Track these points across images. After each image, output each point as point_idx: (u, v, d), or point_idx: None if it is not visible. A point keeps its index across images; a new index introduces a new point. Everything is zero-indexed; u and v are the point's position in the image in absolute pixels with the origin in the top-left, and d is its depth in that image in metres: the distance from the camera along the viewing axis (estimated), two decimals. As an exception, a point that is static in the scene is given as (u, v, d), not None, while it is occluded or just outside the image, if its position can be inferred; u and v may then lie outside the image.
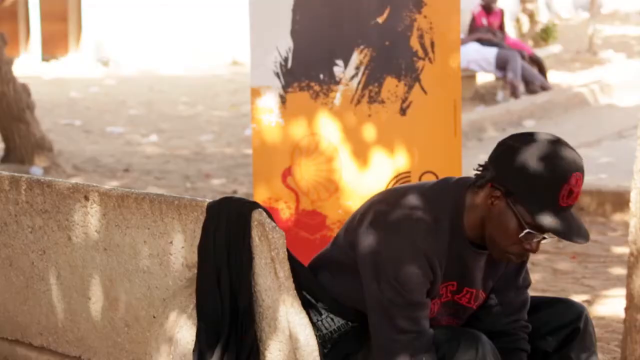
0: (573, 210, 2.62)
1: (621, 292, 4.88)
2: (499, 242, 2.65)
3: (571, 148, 2.64)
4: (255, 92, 4.41)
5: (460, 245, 2.67)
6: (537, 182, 2.57)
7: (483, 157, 2.87)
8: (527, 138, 2.65)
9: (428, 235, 2.64)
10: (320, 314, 2.75)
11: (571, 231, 2.59)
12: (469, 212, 2.68)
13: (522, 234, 2.61)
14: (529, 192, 2.58)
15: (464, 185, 2.72)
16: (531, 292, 4.94)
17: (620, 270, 5.47)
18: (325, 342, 2.74)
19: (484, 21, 11.94)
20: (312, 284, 2.75)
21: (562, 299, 2.90)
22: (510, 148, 2.64)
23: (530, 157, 2.59)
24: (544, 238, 2.63)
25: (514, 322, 2.83)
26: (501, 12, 12.08)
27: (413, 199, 2.69)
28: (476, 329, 2.73)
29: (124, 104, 12.58)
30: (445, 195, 2.72)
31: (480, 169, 2.69)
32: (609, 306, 4.91)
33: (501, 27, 12.01)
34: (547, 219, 2.57)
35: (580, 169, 2.60)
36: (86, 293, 3.01)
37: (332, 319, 2.77)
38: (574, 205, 2.61)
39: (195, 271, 2.74)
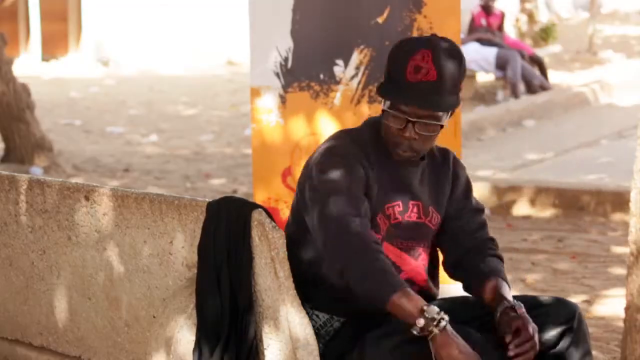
0: (433, 89, 2.69)
1: (621, 292, 4.89)
2: (386, 138, 2.78)
3: (423, 36, 2.81)
4: (255, 92, 4.41)
5: (387, 158, 2.78)
6: (389, 65, 2.74)
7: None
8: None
9: (349, 145, 2.77)
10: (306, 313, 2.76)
11: (414, 99, 2.69)
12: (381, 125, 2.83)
13: (389, 118, 2.73)
14: (386, 77, 2.75)
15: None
16: (530, 292, 4.96)
17: (620, 270, 5.48)
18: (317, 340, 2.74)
19: (483, 22, 11.94)
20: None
21: (556, 298, 2.90)
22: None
23: (393, 47, 2.77)
24: (410, 121, 2.71)
25: (478, 239, 2.97)
26: (501, 14, 12.08)
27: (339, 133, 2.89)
28: (447, 258, 2.90)
29: (123, 104, 12.59)
30: (366, 123, 2.89)
31: None
32: (608, 306, 4.90)
33: (500, 28, 12.01)
34: (396, 93, 2.72)
35: (432, 47, 2.70)
36: (86, 293, 3.01)
37: (317, 316, 2.77)
38: (433, 83, 2.68)
39: (195, 271, 2.74)
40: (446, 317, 2.59)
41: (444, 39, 2.78)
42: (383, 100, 2.77)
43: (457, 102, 2.78)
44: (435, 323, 2.58)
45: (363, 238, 2.65)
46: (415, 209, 2.83)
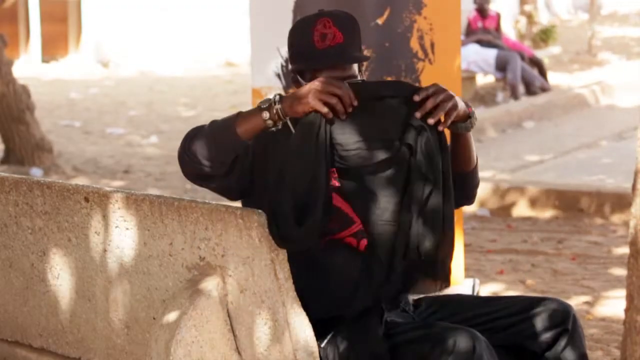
0: (346, 50, 2.78)
1: (621, 293, 4.89)
2: None
3: (321, 10, 2.86)
4: (257, 93, 4.41)
5: None
6: (294, 43, 2.85)
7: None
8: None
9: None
10: None
11: (332, 60, 2.77)
12: None
13: None
14: (294, 55, 2.85)
15: None
16: (530, 294, 4.96)
17: (620, 271, 5.48)
18: None
19: (480, 25, 11.96)
20: None
21: (550, 299, 2.90)
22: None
23: (291, 29, 2.88)
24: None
25: None
26: (497, 16, 12.09)
27: None
28: None
29: (123, 105, 12.59)
30: None
31: None
32: (609, 307, 4.91)
33: (497, 29, 12.02)
34: (310, 62, 2.79)
35: (328, 15, 2.82)
36: (86, 294, 3.01)
37: None
38: (341, 45, 2.77)
39: (195, 273, 2.74)
40: (277, 93, 2.69)
41: (332, 9, 2.90)
42: (298, 78, 2.84)
43: (366, 57, 2.90)
44: (273, 102, 2.66)
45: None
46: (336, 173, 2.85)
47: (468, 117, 2.86)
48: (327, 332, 2.78)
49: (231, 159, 2.71)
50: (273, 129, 2.68)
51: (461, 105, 2.80)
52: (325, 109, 2.65)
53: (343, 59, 2.79)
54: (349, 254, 2.76)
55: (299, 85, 2.85)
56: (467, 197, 2.98)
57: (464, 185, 2.92)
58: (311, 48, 2.80)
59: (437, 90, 2.74)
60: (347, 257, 2.75)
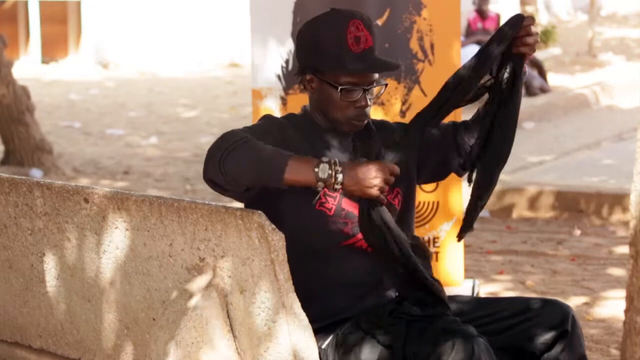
0: (377, 54, 2.80)
1: (621, 294, 4.89)
2: (334, 115, 2.82)
3: (343, 9, 2.83)
4: (257, 94, 4.42)
5: (320, 134, 2.83)
6: (323, 45, 2.77)
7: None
8: (307, 21, 2.85)
9: (282, 123, 2.83)
10: None
11: (374, 67, 2.78)
12: (310, 108, 2.87)
13: (341, 95, 2.77)
14: (324, 58, 2.77)
15: None
16: (530, 294, 4.95)
17: (619, 272, 5.48)
18: None
19: (480, 26, 11.96)
20: None
21: (548, 300, 2.90)
22: (298, 36, 2.85)
23: (311, 30, 2.81)
24: (364, 90, 2.79)
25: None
26: (497, 17, 12.09)
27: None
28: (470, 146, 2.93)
29: (123, 106, 12.59)
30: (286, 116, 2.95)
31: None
32: (608, 308, 4.90)
33: (496, 31, 12.02)
34: (348, 68, 2.74)
35: (357, 16, 2.79)
36: (86, 295, 3.01)
37: None
38: (372, 49, 2.79)
39: (195, 273, 2.75)
40: (337, 160, 2.63)
41: (352, 9, 2.88)
42: (324, 83, 2.79)
43: (398, 65, 2.94)
44: (333, 181, 2.62)
45: (248, 137, 2.68)
46: None
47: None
48: (328, 333, 2.78)
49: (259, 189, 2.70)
50: (319, 190, 2.65)
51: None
52: (383, 199, 2.68)
53: (376, 66, 2.78)
54: (362, 258, 2.80)
55: (309, 86, 2.82)
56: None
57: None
58: (346, 51, 2.76)
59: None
60: (361, 261, 2.81)
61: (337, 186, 2.62)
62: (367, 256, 2.81)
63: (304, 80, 2.85)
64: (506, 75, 2.86)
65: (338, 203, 2.79)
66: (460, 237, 2.96)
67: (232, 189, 2.72)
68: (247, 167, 2.64)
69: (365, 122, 2.85)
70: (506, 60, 2.86)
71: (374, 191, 2.63)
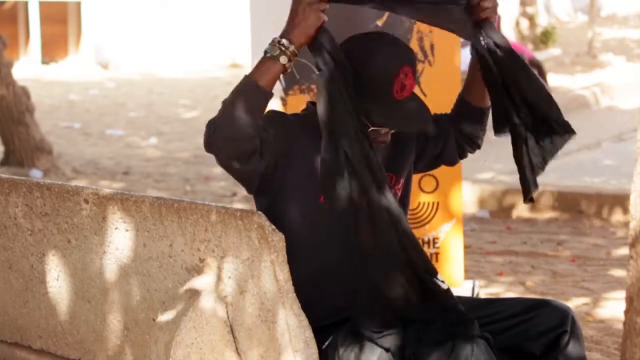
0: (413, 99, 2.77)
1: (621, 294, 4.89)
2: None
3: (397, 40, 2.82)
4: (255, 95, 4.41)
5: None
6: (368, 78, 2.73)
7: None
8: (361, 39, 2.83)
9: (289, 118, 2.82)
10: None
11: (408, 124, 2.78)
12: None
13: (370, 131, 2.74)
14: (366, 89, 2.73)
15: None
16: (530, 295, 4.95)
17: (619, 273, 5.48)
18: None
19: (481, 26, 11.95)
20: None
21: (548, 301, 2.90)
22: (349, 43, 2.81)
23: (363, 55, 2.75)
24: (392, 129, 2.79)
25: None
26: (497, 18, 12.08)
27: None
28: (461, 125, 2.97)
29: (123, 107, 12.60)
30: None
31: None
32: (608, 309, 4.90)
33: (497, 32, 12.01)
34: (387, 115, 2.73)
35: (409, 62, 2.77)
36: (85, 296, 3.01)
37: None
38: (413, 95, 2.77)
39: (195, 274, 2.74)
40: (278, 38, 2.68)
41: (405, 45, 2.87)
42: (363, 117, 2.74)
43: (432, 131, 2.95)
44: (285, 48, 2.67)
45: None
46: None
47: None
48: (328, 334, 2.78)
49: (259, 122, 2.67)
50: (291, 69, 2.69)
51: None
52: (325, 17, 2.71)
53: (421, 124, 2.80)
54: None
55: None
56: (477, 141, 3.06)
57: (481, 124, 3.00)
58: (389, 95, 2.73)
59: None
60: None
61: (291, 47, 2.67)
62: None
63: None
64: (483, 41, 2.86)
65: None
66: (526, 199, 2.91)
67: (251, 146, 2.66)
68: (232, 112, 2.63)
69: None
70: (477, 29, 2.87)
71: (313, 14, 2.67)
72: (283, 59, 2.67)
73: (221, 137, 2.63)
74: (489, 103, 2.97)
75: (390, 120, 2.75)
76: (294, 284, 2.68)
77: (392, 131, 2.80)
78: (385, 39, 2.81)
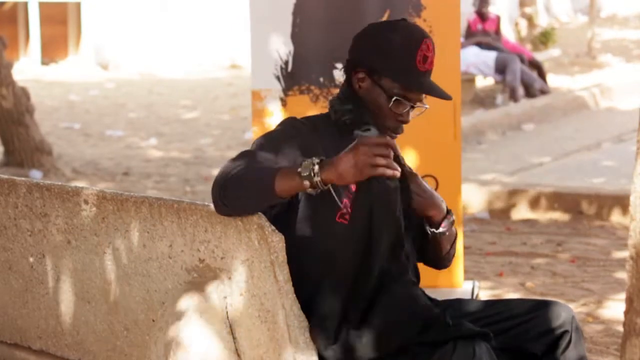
0: (431, 79, 2.84)
1: (621, 295, 4.89)
2: (376, 119, 2.82)
3: (415, 25, 2.90)
4: (256, 95, 4.42)
5: (339, 142, 2.75)
6: (393, 52, 2.78)
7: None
8: (378, 23, 2.91)
9: (305, 126, 2.80)
10: None
11: (433, 90, 2.82)
12: (342, 104, 2.84)
13: (392, 103, 2.78)
14: (389, 65, 2.78)
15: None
16: (530, 296, 4.94)
17: (619, 274, 5.48)
18: None
19: (480, 27, 11.95)
20: None
21: (549, 302, 2.91)
22: (364, 34, 2.85)
23: (383, 33, 2.82)
24: (412, 107, 2.82)
25: None
26: (497, 19, 12.08)
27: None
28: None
29: (123, 107, 12.59)
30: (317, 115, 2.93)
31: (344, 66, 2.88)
32: (608, 310, 4.90)
33: (497, 32, 12.01)
34: (411, 82, 2.78)
35: (427, 36, 2.83)
36: (85, 297, 3.01)
37: None
38: (431, 73, 2.83)
39: (195, 275, 2.74)
40: (316, 160, 2.57)
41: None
42: (377, 86, 2.79)
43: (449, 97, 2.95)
44: (314, 172, 2.55)
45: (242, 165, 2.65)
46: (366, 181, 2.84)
47: (439, 223, 2.91)
48: (329, 335, 2.78)
49: (268, 206, 2.67)
50: (312, 194, 2.61)
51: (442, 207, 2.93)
52: (389, 172, 2.56)
53: (435, 89, 2.82)
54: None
55: (357, 84, 2.81)
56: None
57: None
58: (412, 67, 2.78)
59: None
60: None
61: (317, 179, 2.55)
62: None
63: (352, 75, 2.84)
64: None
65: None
66: None
67: (243, 215, 2.67)
68: (243, 194, 2.60)
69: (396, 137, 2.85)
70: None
71: (370, 170, 2.54)
72: (307, 183, 2.56)
73: (230, 208, 2.62)
74: (443, 251, 2.98)
75: (416, 85, 2.79)
76: (301, 293, 2.70)
77: (413, 109, 2.81)
78: (401, 20, 2.87)
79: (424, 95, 2.84)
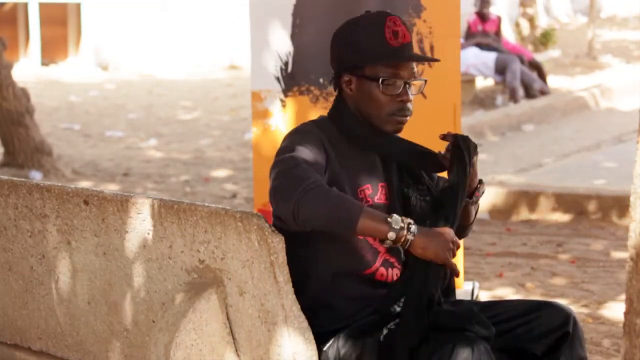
0: (411, 48, 2.84)
1: (621, 296, 4.89)
2: (377, 113, 2.83)
3: (379, 10, 2.90)
4: (256, 96, 4.42)
5: (347, 144, 2.83)
6: (362, 42, 2.81)
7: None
8: (342, 25, 2.90)
9: (313, 127, 2.83)
10: None
11: (413, 57, 2.84)
12: (344, 114, 2.86)
13: (382, 87, 2.79)
14: (363, 54, 2.80)
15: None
16: (530, 297, 4.95)
17: (619, 275, 5.48)
18: None
19: (480, 28, 11.95)
20: None
21: (550, 303, 2.91)
22: (332, 39, 2.89)
23: (348, 30, 2.85)
24: (407, 84, 2.82)
25: None
26: (498, 20, 12.08)
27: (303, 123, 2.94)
28: None
29: (123, 108, 12.59)
30: (321, 117, 2.94)
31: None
32: (608, 310, 4.90)
33: (497, 33, 12.01)
34: (389, 58, 2.78)
35: (391, 14, 2.84)
36: (85, 297, 3.01)
37: None
38: (410, 44, 2.83)
39: (195, 276, 2.74)
40: (411, 220, 2.63)
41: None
42: (363, 79, 2.80)
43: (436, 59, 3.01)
44: (405, 231, 2.61)
45: (316, 178, 2.65)
46: (383, 191, 2.86)
47: (472, 193, 2.92)
48: (330, 336, 2.78)
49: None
50: (387, 245, 2.66)
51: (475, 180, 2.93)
52: (457, 270, 2.71)
53: (427, 58, 2.84)
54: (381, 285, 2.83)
55: (348, 88, 2.83)
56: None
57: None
58: (384, 45, 2.79)
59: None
60: (379, 285, 2.83)
61: (409, 237, 2.62)
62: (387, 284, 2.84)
63: (341, 83, 2.85)
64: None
65: None
66: None
67: (298, 229, 2.68)
68: (320, 215, 2.62)
69: (408, 119, 2.85)
70: None
71: (447, 257, 2.65)
72: (391, 235, 2.62)
73: (298, 221, 2.63)
74: (470, 220, 3.00)
75: (394, 58, 2.79)
76: (307, 291, 2.72)
77: (409, 89, 2.82)
78: (361, 15, 2.89)
79: (415, 69, 2.84)
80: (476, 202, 2.96)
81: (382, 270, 2.82)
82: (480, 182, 2.96)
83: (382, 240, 2.64)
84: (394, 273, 2.84)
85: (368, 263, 2.81)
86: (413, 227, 2.63)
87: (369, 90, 2.81)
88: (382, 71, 2.79)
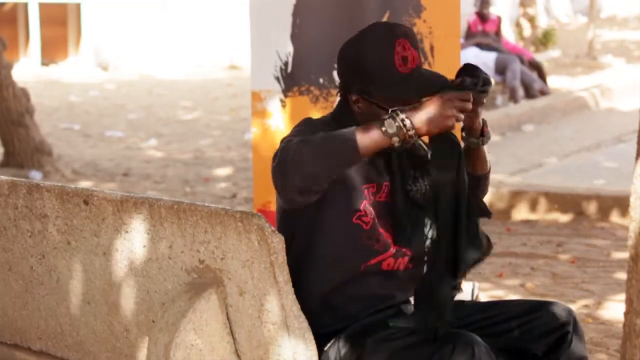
0: (422, 69, 2.74)
1: (621, 296, 4.89)
2: None
3: (386, 22, 2.89)
4: (256, 96, 4.41)
5: None
6: (371, 69, 2.72)
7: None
8: (348, 41, 2.81)
9: (320, 123, 2.80)
10: None
11: (427, 88, 2.67)
12: (351, 117, 2.79)
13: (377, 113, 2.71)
14: (372, 81, 2.72)
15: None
16: (530, 297, 4.95)
17: (620, 275, 5.48)
18: None
19: (480, 29, 11.95)
20: None
21: (550, 302, 2.90)
22: (340, 57, 2.80)
23: (355, 52, 2.75)
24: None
25: None
26: (498, 20, 12.08)
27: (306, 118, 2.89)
28: None
29: (123, 108, 12.60)
30: (328, 116, 2.90)
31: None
32: (608, 311, 4.90)
33: (497, 33, 12.01)
34: (402, 90, 2.69)
35: (403, 35, 2.74)
36: (85, 297, 3.01)
37: None
38: (419, 67, 2.73)
39: (195, 276, 2.74)
40: (403, 115, 2.57)
41: (394, 23, 2.89)
42: (373, 105, 2.74)
43: (452, 86, 2.83)
44: (405, 130, 2.56)
45: (301, 138, 2.63)
46: (387, 190, 2.84)
47: (481, 134, 2.84)
48: (331, 336, 2.78)
49: (340, 174, 2.65)
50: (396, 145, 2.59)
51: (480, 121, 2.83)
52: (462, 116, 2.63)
53: (427, 86, 2.69)
54: (384, 277, 2.82)
55: (356, 106, 2.77)
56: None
57: (476, 187, 2.93)
58: (394, 73, 2.70)
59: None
60: (382, 278, 2.82)
61: (411, 132, 2.56)
62: (391, 275, 2.83)
63: (348, 97, 2.80)
64: None
65: (374, 220, 2.78)
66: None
67: (318, 189, 2.63)
68: (321, 160, 2.58)
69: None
70: None
71: (450, 123, 2.58)
72: (395, 139, 2.57)
73: (294, 164, 2.59)
74: (487, 168, 2.94)
75: (404, 92, 2.70)
76: (310, 291, 2.72)
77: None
78: (373, 25, 2.81)
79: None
80: (487, 140, 2.86)
81: (390, 260, 2.81)
82: (484, 122, 2.85)
83: (391, 147, 2.59)
84: (403, 262, 2.82)
85: (374, 253, 2.79)
86: (407, 122, 2.56)
87: (377, 114, 2.71)
88: (391, 99, 2.70)
